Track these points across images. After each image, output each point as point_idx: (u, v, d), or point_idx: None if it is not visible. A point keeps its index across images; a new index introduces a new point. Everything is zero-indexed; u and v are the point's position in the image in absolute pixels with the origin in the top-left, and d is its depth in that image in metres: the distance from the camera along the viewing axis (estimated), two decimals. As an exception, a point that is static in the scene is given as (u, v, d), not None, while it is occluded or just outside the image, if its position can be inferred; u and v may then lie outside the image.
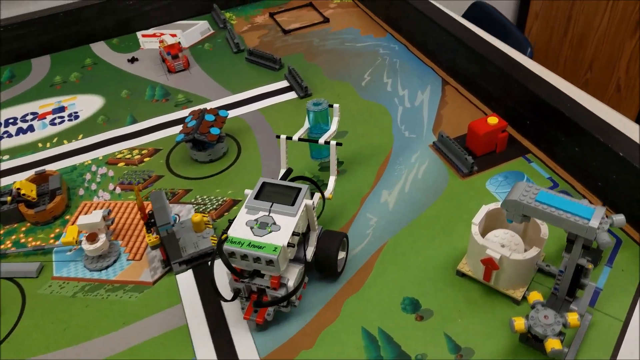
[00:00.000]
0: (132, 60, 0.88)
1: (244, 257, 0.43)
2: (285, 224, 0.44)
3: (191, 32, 0.94)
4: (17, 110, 0.79)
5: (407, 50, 0.82)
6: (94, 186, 0.64)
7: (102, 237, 0.54)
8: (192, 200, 0.60)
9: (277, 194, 0.47)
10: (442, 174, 0.60)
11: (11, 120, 0.77)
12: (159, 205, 0.49)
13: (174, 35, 0.93)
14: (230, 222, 0.45)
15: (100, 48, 0.93)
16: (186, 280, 0.52)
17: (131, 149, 0.69)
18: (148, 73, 0.84)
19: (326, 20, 0.92)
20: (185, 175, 0.64)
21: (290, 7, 0.98)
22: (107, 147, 0.70)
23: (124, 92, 0.80)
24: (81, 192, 0.64)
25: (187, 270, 0.52)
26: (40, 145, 0.72)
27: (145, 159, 0.67)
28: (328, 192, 0.53)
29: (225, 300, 0.45)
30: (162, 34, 0.94)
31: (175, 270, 0.52)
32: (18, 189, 0.58)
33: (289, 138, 0.55)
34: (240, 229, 0.44)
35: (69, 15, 0.90)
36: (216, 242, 0.52)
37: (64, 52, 0.92)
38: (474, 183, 0.58)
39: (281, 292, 0.44)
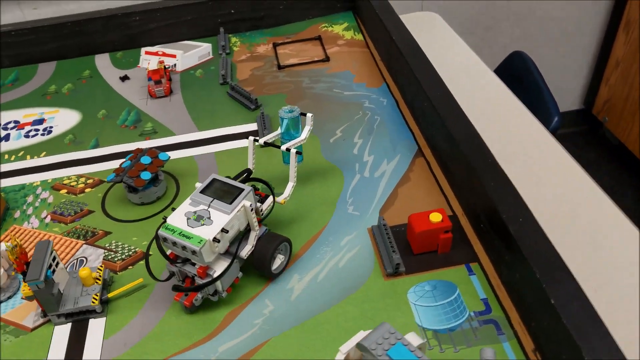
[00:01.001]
0: (124, 78, 0.90)
1: (174, 244, 0.49)
2: (218, 220, 0.49)
3: (190, 55, 0.95)
4: (4, 116, 0.84)
5: (396, 107, 0.77)
6: (30, 210, 0.67)
7: (1, 271, 0.55)
8: (107, 244, 0.61)
9: (221, 191, 0.52)
10: (367, 268, 0.55)
11: (-7, 126, 0.83)
12: (36, 258, 0.50)
13: (173, 56, 0.95)
14: (173, 209, 0.52)
15: (102, 61, 0.96)
16: (63, 334, 0.52)
17: (79, 176, 0.71)
18: (132, 94, 0.86)
19: (326, 59, 0.89)
20: (114, 215, 0.65)
21: (298, 38, 0.96)
22: (59, 169, 0.72)
23: (101, 112, 0.83)
24: (17, 214, 0.66)
25: (66, 323, 0.53)
26: (6, 157, 0.76)
27: (86, 190, 0.69)
28: (282, 197, 0.58)
29: (159, 280, 0.52)
30: (164, 53, 0.97)
31: (54, 322, 0.52)
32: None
33: (256, 140, 0.61)
34: (178, 218, 0.50)
35: (76, 26, 0.95)
36: (97, 300, 0.52)
37: (69, 61, 0.97)
38: (396, 287, 0.53)
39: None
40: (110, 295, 0.54)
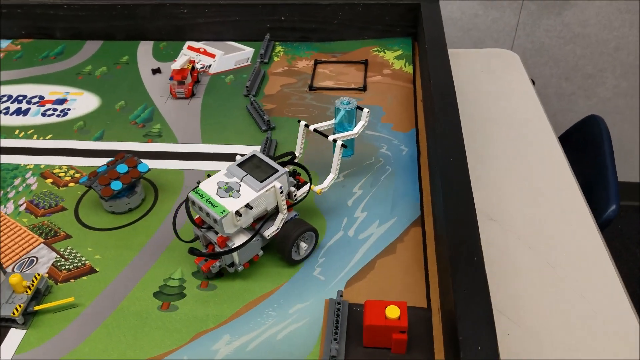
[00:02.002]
0: (155, 71, 0.90)
1: (201, 209, 0.52)
2: (245, 195, 0.52)
3: (228, 58, 0.93)
4: (33, 89, 0.87)
5: (416, 160, 0.70)
6: (12, 194, 0.68)
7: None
8: (61, 249, 0.60)
9: (257, 168, 0.54)
10: (305, 348, 0.49)
11: (20, 97, 0.86)
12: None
13: (212, 56, 0.94)
14: (208, 175, 0.55)
15: (145, 48, 0.97)
16: (-19, 337, 0.51)
17: (70, 168, 0.71)
18: (156, 90, 0.86)
19: (363, 88, 0.83)
20: (83, 218, 0.64)
21: (343, 59, 0.90)
22: (55, 156, 0.73)
23: (120, 104, 0.83)
24: (0, 194, 0.68)
25: (-13, 326, 0.52)
26: (16, 132, 0.78)
27: (70, 184, 0.69)
28: (319, 187, 0.60)
29: (184, 242, 0.55)
30: (205, 51, 0.95)
31: (-25, 322, 0.52)
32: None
33: (307, 126, 0.62)
34: (210, 185, 0.53)
35: (125, 9, 0.96)
36: (19, 311, 0.51)
37: (115, 42, 0.99)
38: (328, 377, 0.47)
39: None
40: (36, 308, 0.53)
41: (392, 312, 0.47)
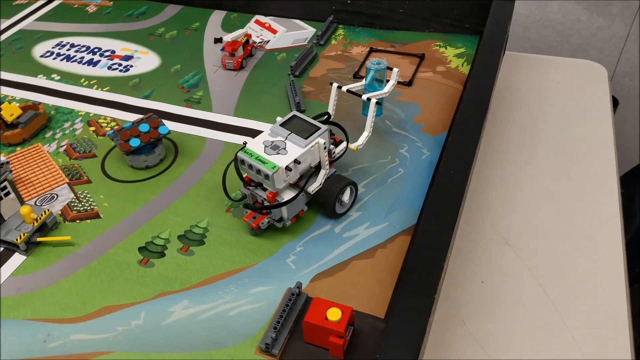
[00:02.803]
0: (217, 40, 0.94)
1: (250, 167, 0.56)
2: (292, 151, 0.56)
3: (287, 35, 0.95)
4: (108, 43, 0.96)
5: (434, 167, 0.66)
6: (59, 134, 0.76)
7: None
8: (80, 192, 0.66)
9: (299, 126, 0.58)
10: (251, 330, 0.50)
11: (96, 49, 0.94)
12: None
13: (274, 32, 0.96)
14: (254, 136, 0.59)
15: (217, 17, 1.02)
16: (-8, 255, 0.59)
17: (113, 119, 0.78)
18: (211, 59, 0.90)
19: (408, 84, 0.80)
20: (107, 168, 0.70)
21: (401, 50, 0.88)
22: (103, 107, 0.80)
23: (175, 67, 0.88)
24: (49, 134, 0.76)
25: (-1, 246, 0.60)
26: (82, 80, 0.87)
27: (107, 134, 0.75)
28: (355, 144, 0.64)
29: (233, 200, 0.61)
30: (270, 26, 0.98)
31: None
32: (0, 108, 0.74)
33: (339, 87, 0.66)
34: (257, 145, 0.57)
35: (204, -22, 1.01)
36: (22, 239, 0.58)
37: (192, 9, 1.05)
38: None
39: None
40: (38, 239, 0.59)
41: (333, 314, 0.47)
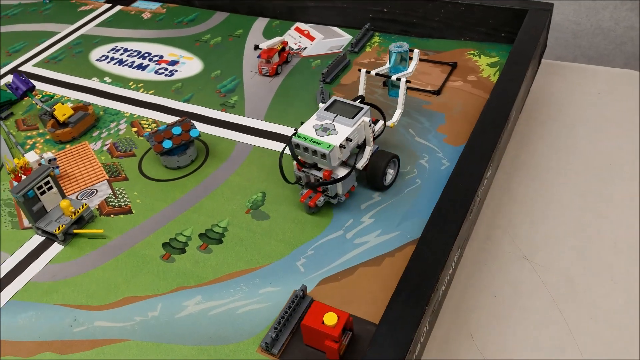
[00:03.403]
0: (257, 47, 0.97)
1: (306, 149, 0.60)
2: (342, 131, 0.60)
3: (324, 42, 0.96)
4: (158, 49, 1.01)
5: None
6: (104, 134, 0.81)
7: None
8: (117, 188, 0.71)
9: (343, 109, 0.63)
10: (256, 328, 0.52)
11: (146, 54, 1.00)
12: (29, 177, 0.62)
13: (312, 39, 0.98)
14: (302, 123, 0.63)
15: (260, 24, 1.05)
16: (34, 241, 0.65)
17: (154, 121, 0.82)
18: (249, 65, 0.93)
19: (437, 92, 0.79)
20: (144, 167, 0.74)
21: (434, 58, 0.87)
22: (147, 109, 0.85)
23: (216, 72, 0.92)
24: (96, 133, 0.81)
25: (41, 235, 0.65)
26: (130, 84, 0.92)
27: (147, 136, 0.80)
28: (392, 121, 0.67)
29: (289, 182, 0.63)
30: (309, 34, 1.00)
31: (34, 230, 0.65)
32: (54, 108, 0.80)
33: (368, 72, 0.71)
34: (307, 129, 0.61)
35: (249, -13, 1.05)
36: (60, 230, 0.63)
37: (238, 16, 1.08)
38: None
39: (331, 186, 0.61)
40: (75, 231, 0.64)
41: (330, 319, 0.48)
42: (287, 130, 0.77)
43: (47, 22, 1.15)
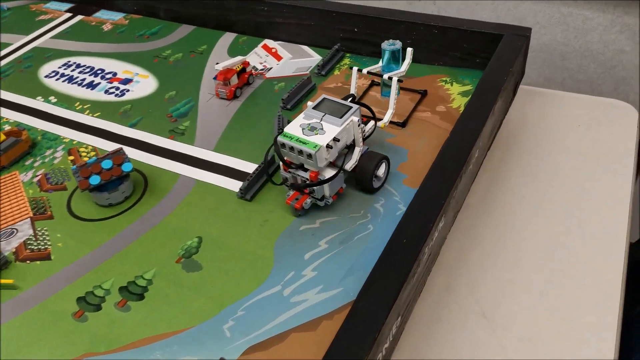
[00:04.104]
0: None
1: (291, 149, 0.57)
2: (330, 131, 0.58)
3: (291, 63, 0.89)
4: (112, 65, 0.94)
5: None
6: (38, 162, 0.74)
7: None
8: (39, 228, 0.63)
9: (331, 108, 0.60)
10: None
11: (99, 71, 0.93)
12: None
13: (279, 59, 0.91)
14: (289, 122, 0.61)
15: (226, 40, 0.97)
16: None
17: (93, 149, 0.75)
18: (208, 86, 0.86)
19: (402, 124, 0.72)
20: (74, 203, 0.66)
21: (405, 85, 0.79)
22: (88, 135, 0.78)
23: (170, 94, 0.85)
24: (29, 161, 0.74)
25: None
26: (76, 104, 0.85)
27: (84, 165, 0.72)
28: (382, 122, 0.65)
29: (274, 184, 0.62)
30: (276, 52, 0.92)
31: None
32: (-18, 133, 0.73)
33: (359, 70, 0.68)
34: (294, 128, 0.59)
35: (214, 0, 0.97)
36: None
37: (205, 30, 1.01)
38: None
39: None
40: (-19, 279, 0.57)
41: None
42: (237, 163, 0.70)
43: (2, 32, 1.08)
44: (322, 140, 0.56)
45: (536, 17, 1.07)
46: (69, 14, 1.12)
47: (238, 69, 0.82)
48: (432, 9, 1.17)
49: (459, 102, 0.75)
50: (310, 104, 0.61)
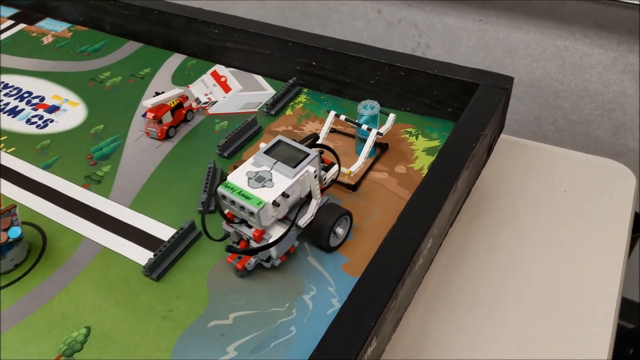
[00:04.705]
0: (157, 94, 0.80)
1: (233, 202, 0.49)
2: (279, 183, 0.50)
3: (240, 97, 0.78)
4: (42, 88, 0.83)
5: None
6: None
7: None
8: None
9: (286, 154, 0.52)
10: None
11: (26, 94, 0.82)
12: None
13: (227, 90, 0.81)
14: (222, 174, 0.55)
15: (172, 63, 0.87)
16: None
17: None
18: (140, 121, 0.75)
19: (353, 187, 0.62)
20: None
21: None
22: (-6, 177, 0.68)
23: (96, 128, 0.75)
24: None
25: None
26: (-8, 135, 0.75)
27: (-22, 217, 0.62)
28: (348, 169, 0.59)
29: (214, 240, 0.53)
30: (225, 81, 0.82)
31: None
32: None
33: (337, 115, 0.63)
34: (239, 177, 0.50)
35: (161, 16, 0.87)
36: None
37: (152, 49, 0.91)
38: None
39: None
40: None
41: None
42: (152, 227, 0.60)
43: None
44: (269, 195, 0.48)
45: (528, 49, 0.97)
46: (11, 22, 1.02)
47: (173, 105, 0.72)
48: (414, 32, 1.07)
49: (422, 163, 0.64)
50: (263, 145, 0.53)
